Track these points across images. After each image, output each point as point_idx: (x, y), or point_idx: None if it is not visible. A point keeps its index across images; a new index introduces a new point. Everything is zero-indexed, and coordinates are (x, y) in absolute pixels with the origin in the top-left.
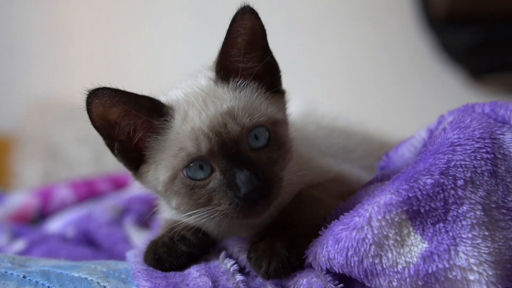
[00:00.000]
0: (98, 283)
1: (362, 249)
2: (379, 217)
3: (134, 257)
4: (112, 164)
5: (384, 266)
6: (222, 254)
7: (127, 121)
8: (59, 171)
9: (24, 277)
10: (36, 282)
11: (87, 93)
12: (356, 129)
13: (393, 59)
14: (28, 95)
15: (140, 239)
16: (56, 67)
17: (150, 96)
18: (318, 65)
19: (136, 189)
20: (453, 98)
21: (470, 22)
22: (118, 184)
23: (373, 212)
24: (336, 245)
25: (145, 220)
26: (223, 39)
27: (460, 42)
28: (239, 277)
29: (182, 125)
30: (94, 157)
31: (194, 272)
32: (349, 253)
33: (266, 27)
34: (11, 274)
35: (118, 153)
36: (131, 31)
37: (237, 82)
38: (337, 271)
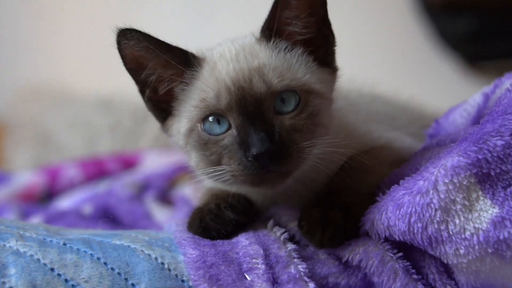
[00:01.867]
0: (142, 251)
1: (427, 214)
2: (446, 180)
3: (176, 226)
4: (105, 150)
5: (451, 232)
6: (270, 222)
7: (154, 69)
8: (50, 157)
9: (64, 244)
10: (78, 249)
11: (117, 31)
12: (396, 98)
13: (389, 46)
14: (18, 80)
15: (162, 215)
16: (46, 52)
17: (181, 48)
18: None
19: (149, 166)
20: (449, 85)
21: (467, 9)
22: (127, 163)
23: (439, 175)
24: (397, 211)
25: (165, 196)
26: None
27: (456, 29)
28: (290, 245)
29: (209, 76)
30: (87, 143)
31: (243, 240)
32: (412, 219)
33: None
34: (50, 241)
35: (148, 101)
36: (122, 16)
37: (281, 43)
38: (397, 239)
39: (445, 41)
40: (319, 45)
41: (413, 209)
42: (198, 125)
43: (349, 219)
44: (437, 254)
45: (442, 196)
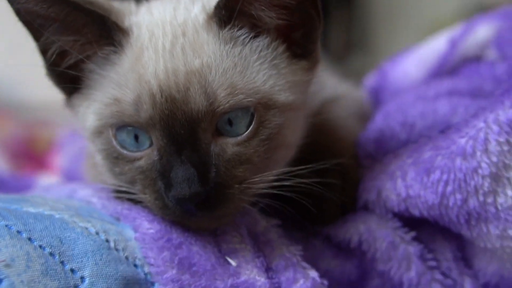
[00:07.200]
0: (75, 222)
1: (472, 183)
2: (501, 140)
3: (94, 190)
4: None
5: (499, 207)
6: None
7: (58, 34)
8: None
9: None
10: None
11: None
12: None
13: None
14: None
15: None
16: None
17: (101, 12)
18: None
19: None
20: None
21: None
22: None
23: (490, 132)
24: (425, 177)
25: None
26: None
27: None
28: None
29: (131, 67)
30: None
31: None
32: (448, 189)
33: None
34: None
35: (49, 66)
36: None
37: (242, 31)
38: (418, 215)
39: None
40: (297, 29)
41: (452, 176)
42: (110, 131)
43: (347, 187)
44: (474, 235)
45: (494, 159)
